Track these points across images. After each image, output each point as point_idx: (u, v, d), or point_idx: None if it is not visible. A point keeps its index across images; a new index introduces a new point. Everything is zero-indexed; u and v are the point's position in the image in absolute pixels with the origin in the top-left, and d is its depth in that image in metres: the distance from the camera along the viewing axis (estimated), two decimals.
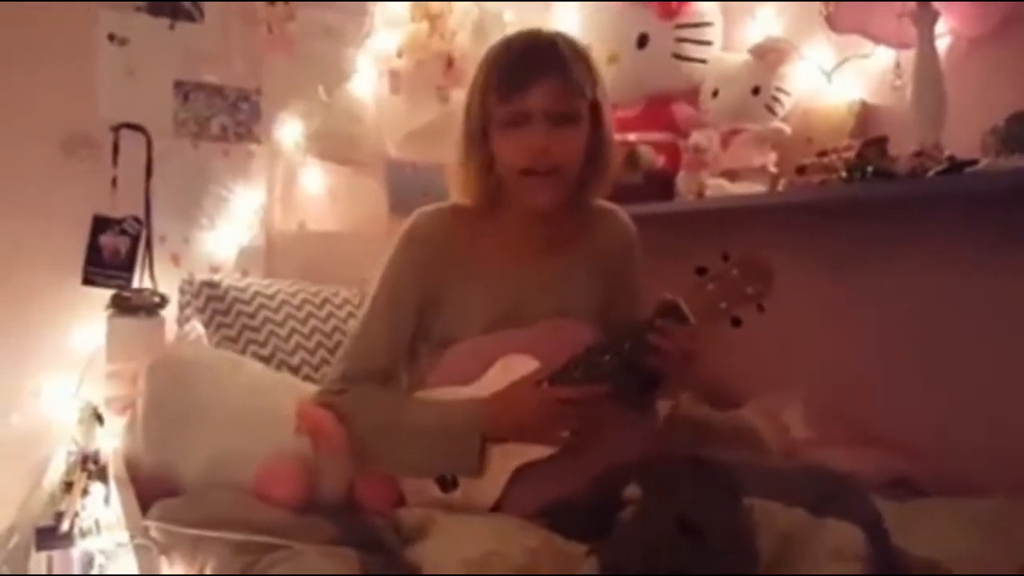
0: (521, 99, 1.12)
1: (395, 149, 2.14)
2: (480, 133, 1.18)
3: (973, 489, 1.31)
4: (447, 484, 1.16)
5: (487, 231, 1.22)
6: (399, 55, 2.08)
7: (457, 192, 1.24)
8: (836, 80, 1.72)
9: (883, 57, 1.62)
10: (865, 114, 1.65)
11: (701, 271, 1.03)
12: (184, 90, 1.97)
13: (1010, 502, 1.24)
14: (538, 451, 1.11)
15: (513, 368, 1.13)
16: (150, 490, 1.31)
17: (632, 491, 1.04)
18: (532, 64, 1.14)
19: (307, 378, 1.69)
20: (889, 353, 1.54)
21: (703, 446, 1.35)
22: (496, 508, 1.12)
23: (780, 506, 0.98)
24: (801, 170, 1.51)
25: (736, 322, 1.00)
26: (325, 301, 1.86)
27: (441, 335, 1.20)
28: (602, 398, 1.08)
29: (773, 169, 1.76)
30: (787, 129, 1.79)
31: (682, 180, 1.84)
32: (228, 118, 2.02)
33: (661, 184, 1.89)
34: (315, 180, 2.11)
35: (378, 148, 2.12)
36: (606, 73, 1.99)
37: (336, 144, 2.05)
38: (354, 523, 1.14)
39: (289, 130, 2.07)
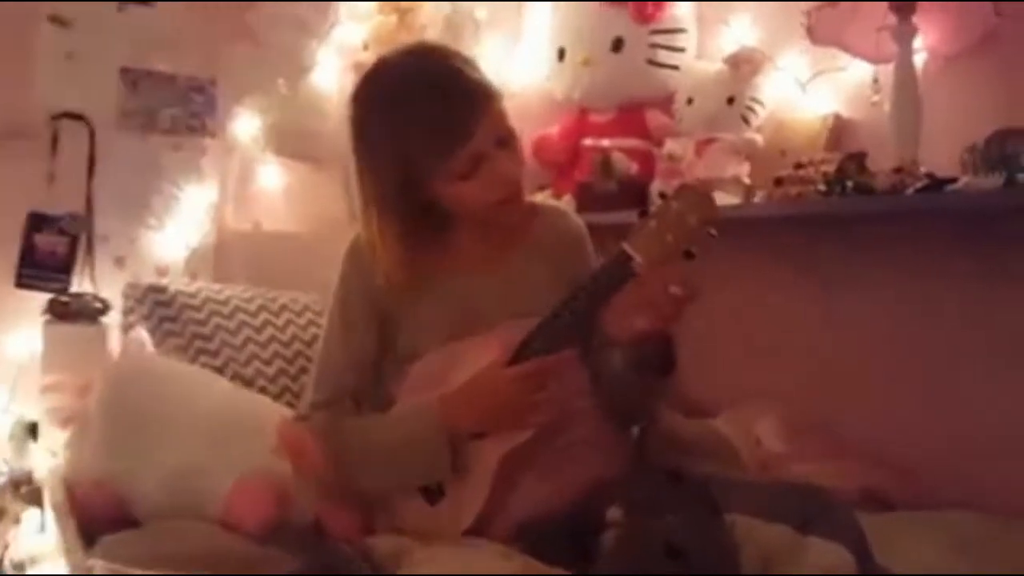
0: (469, 143, 1.09)
1: None
2: (401, 200, 1.14)
3: (945, 504, 1.35)
4: (432, 494, 1.16)
5: (434, 247, 1.22)
6: (365, 48, 2.07)
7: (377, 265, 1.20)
8: (810, 92, 1.77)
9: (858, 71, 1.67)
10: (839, 127, 1.70)
11: (643, 213, 1.04)
12: (132, 78, 1.95)
13: (982, 517, 1.29)
14: (516, 437, 1.11)
15: (478, 364, 1.14)
16: (96, 515, 1.26)
17: (614, 513, 1.06)
18: (463, 103, 1.10)
19: (263, 391, 1.67)
20: (866, 367, 1.58)
21: (678, 458, 1.37)
22: (482, 518, 1.12)
23: (762, 523, 1.00)
24: (779, 182, 1.55)
25: (689, 255, 1.00)
26: (283, 308, 1.83)
27: (404, 351, 1.21)
28: (570, 363, 1.09)
29: (746, 180, 1.81)
30: (760, 140, 1.84)
31: (656, 189, 1.86)
32: (180, 109, 1.99)
33: (635, 192, 1.92)
34: (272, 178, 2.09)
35: (340, 145, 2.03)
36: (580, 76, 2.12)
37: (296, 140, 2.02)
38: (320, 553, 1.14)
39: (246, 124, 2.05)
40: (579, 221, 1.32)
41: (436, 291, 1.20)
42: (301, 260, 1.97)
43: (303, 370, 1.74)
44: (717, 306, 1.06)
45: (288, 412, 1.40)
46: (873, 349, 1.57)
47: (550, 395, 1.10)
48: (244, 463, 1.25)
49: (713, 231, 1.02)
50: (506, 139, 1.14)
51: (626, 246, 1.03)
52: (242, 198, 2.04)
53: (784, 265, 1.71)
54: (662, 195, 1.06)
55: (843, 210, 1.42)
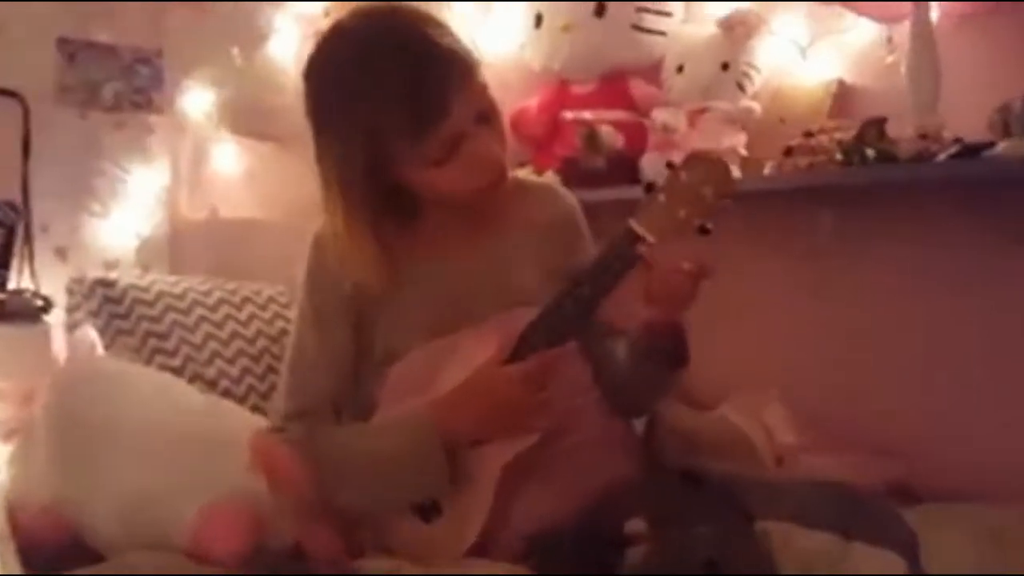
0: (445, 121, 0.99)
1: None
2: (367, 187, 1.04)
3: (965, 496, 1.30)
4: (428, 511, 1.07)
5: (408, 228, 1.12)
6: (327, 15, 1.92)
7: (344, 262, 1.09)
8: (811, 57, 1.69)
9: (862, 33, 1.60)
10: (843, 94, 1.63)
11: (649, 187, 0.97)
12: (70, 49, 1.83)
13: (1016, 510, 1.22)
14: (519, 443, 1.03)
15: (471, 362, 1.05)
16: (44, 544, 1.16)
17: (637, 526, 0.99)
18: (438, 74, 0.98)
19: (226, 393, 1.59)
20: (881, 353, 1.52)
21: (689, 456, 1.31)
22: (485, 534, 1.04)
23: (800, 530, 0.95)
24: (789, 152, 1.46)
25: (704, 230, 0.93)
26: (245, 301, 1.74)
27: (383, 351, 1.12)
28: (572, 357, 1.03)
29: (743, 151, 1.73)
30: (758, 108, 1.76)
31: (649, 162, 1.77)
32: (123, 84, 1.89)
33: (625, 167, 1.83)
34: (229, 159, 1.99)
35: (304, 122, 1.98)
36: (560, 44, 2.02)
37: (254, 117, 1.92)
38: None
39: (197, 99, 1.95)
40: (571, 198, 1.22)
41: (414, 281, 1.10)
42: (264, 249, 1.90)
43: (270, 368, 1.67)
44: (718, 288, 0.96)
45: (261, 422, 1.31)
46: (897, 330, 1.50)
47: (554, 394, 1.03)
48: (213, 483, 1.16)
49: (729, 203, 0.95)
50: (488, 115, 1.04)
51: (633, 224, 0.96)
52: (196, 182, 1.95)
53: (794, 243, 1.63)
54: (670, 165, 0.97)
55: (865, 181, 1.35)
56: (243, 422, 1.35)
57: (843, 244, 1.55)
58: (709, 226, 0.94)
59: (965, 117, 1.31)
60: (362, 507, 1.10)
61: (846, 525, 0.93)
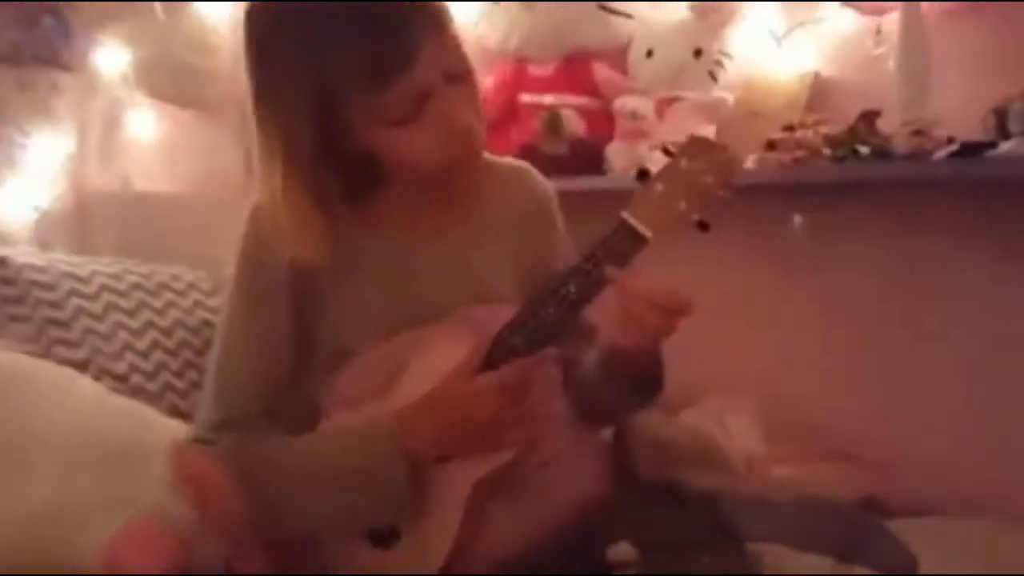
0: (409, 72, 0.87)
1: None
2: (316, 151, 0.92)
3: (939, 508, 1.29)
4: (385, 537, 0.96)
5: (365, 210, 1.01)
6: None
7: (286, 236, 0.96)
8: (786, 47, 1.64)
9: (840, 23, 1.56)
10: (819, 87, 1.59)
11: (643, 174, 0.89)
12: None
13: (998, 524, 1.22)
14: (493, 458, 0.94)
15: (439, 365, 0.95)
16: None
17: (624, 552, 0.93)
18: (401, 18, 0.87)
19: (139, 391, 1.43)
20: (861, 360, 1.49)
21: (667, 469, 1.25)
22: (450, 562, 0.94)
23: (795, 552, 0.91)
24: (771, 146, 1.41)
25: (704, 227, 0.87)
26: (162, 286, 1.59)
27: (332, 348, 1.00)
28: (553, 362, 0.95)
29: None
30: (731, 99, 1.70)
31: (615, 152, 1.72)
32: (23, 35, 1.72)
33: (589, 155, 1.77)
34: (146, 125, 1.88)
35: (232, 87, 1.82)
36: (518, 21, 1.93)
37: (176, 79, 1.83)
38: None
39: (111, 57, 1.82)
40: (547, 185, 1.12)
41: (369, 265, 0.99)
42: (184, 228, 1.78)
43: (189, 364, 1.53)
44: (696, 285, 0.89)
45: (182, 428, 1.17)
46: (876, 337, 1.48)
47: (532, 406, 0.93)
48: (128, 500, 1.04)
49: (730, 195, 0.88)
50: (460, 75, 0.92)
51: (627, 217, 0.88)
52: (108, 150, 1.83)
53: (768, 242, 1.59)
54: (666, 150, 0.89)
55: (856, 177, 1.31)
56: (161, 429, 1.21)
57: (829, 242, 1.51)
58: (707, 221, 0.86)
59: (949, 113, 1.28)
60: (305, 531, 0.98)
61: (841, 547, 0.90)
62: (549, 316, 0.90)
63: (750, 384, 1.56)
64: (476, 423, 0.90)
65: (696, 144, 0.87)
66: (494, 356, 0.92)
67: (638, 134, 1.68)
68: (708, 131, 1.67)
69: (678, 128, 1.67)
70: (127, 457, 1.08)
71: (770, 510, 1.00)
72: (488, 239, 1.04)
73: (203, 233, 1.68)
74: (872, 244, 1.47)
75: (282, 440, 0.99)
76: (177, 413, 1.42)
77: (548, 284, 0.92)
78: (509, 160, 1.12)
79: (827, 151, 1.30)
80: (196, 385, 1.47)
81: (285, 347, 1.00)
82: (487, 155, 1.05)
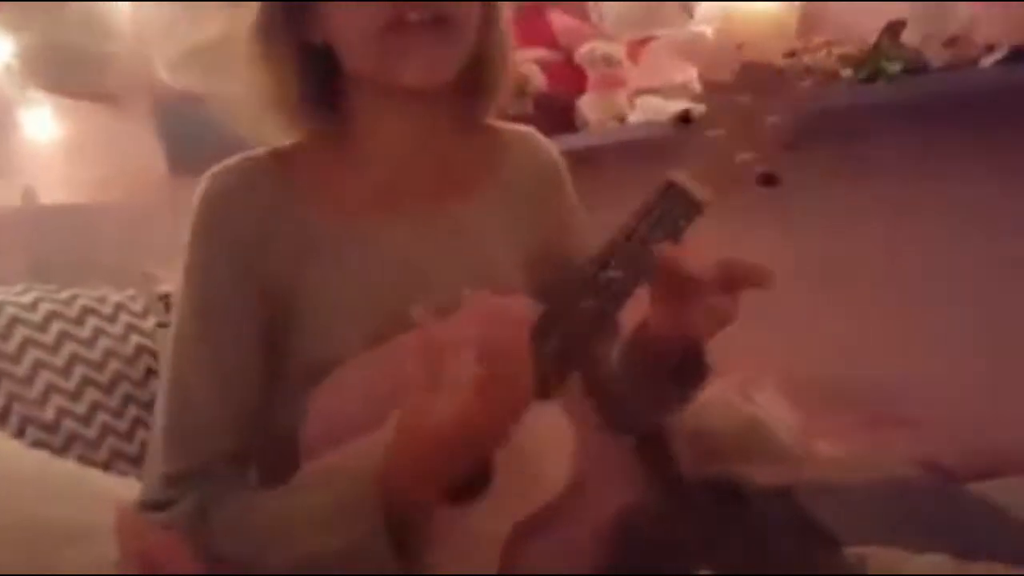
0: None
1: (169, 75, 1.72)
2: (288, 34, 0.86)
3: (1003, 469, 1.18)
4: None
5: (340, 181, 0.89)
6: None
7: (267, 128, 0.90)
8: None
9: None
10: (813, 8, 1.47)
11: (685, 119, 0.77)
12: None
13: None
14: (536, 492, 0.77)
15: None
16: None
17: None
18: None
19: (72, 440, 1.27)
20: (898, 314, 1.37)
21: (712, 464, 1.11)
22: None
23: (900, 553, 0.79)
24: (779, 73, 1.26)
25: (770, 180, 0.75)
26: (86, 313, 1.41)
27: (305, 364, 0.84)
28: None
29: (696, 86, 1.57)
30: (709, 33, 1.56)
31: (589, 105, 1.61)
32: None
33: (557, 112, 1.66)
34: (44, 125, 1.71)
35: (142, 74, 1.73)
36: None
37: (72, 68, 1.66)
38: None
39: None
40: (553, 150, 1.00)
41: (351, 255, 0.85)
42: (103, 242, 1.64)
43: (129, 399, 1.37)
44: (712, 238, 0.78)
45: (132, 488, 0.98)
46: (924, 281, 1.37)
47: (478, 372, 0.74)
48: None
49: (795, 135, 0.77)
50: None
51: (676, 178, 0.75)
52: (1, 159, 1.67)
53: (783, 191, 1.45)
54: (712, 84, 0.86)
55: (891, 98, 1.17)
56: (103, 492, 1.05)
57: (848, 185, 1.39)
58: (776, 175, 0.74)
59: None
60: None
61: (955, 539, 0.79)
62: (588, 311, 0.75)
63: (771, 352, 1.42)
64: (440, 430, 0.70)
65: (753, 72, 0.76)
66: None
67: (614, 82, 1.57)
68: (690, 73, 1.58)
69: (656, 71, 1.60)
70: (58, 535, 0.91)
71: (856, 500, 0.88)
72: (493, 216, 0.91)
73: (127, 246, 1.57)
74: (904, 181, 1.36)
75: (251, 498, 0.82)
76: (123, 460, 1.27)
77: (581, 270, 0.77)
78: (512, 125, 0.99)
79: (847, 73, 1.18)
80: (141, 423, 1.33)
81: (253, 370, 0.83)
82: (489, 121, 0.94)
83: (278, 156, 0.88)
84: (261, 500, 0.81)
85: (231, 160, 0.87)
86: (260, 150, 0.89)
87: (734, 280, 0.71)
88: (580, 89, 1.64)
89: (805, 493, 0.85)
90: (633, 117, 1.52)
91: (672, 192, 0.74)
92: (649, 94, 1.55)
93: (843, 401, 1.38)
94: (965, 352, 1.33)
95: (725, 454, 1.16)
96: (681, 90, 1.55)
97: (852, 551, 0.76)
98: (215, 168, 0.87)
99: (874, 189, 1.37)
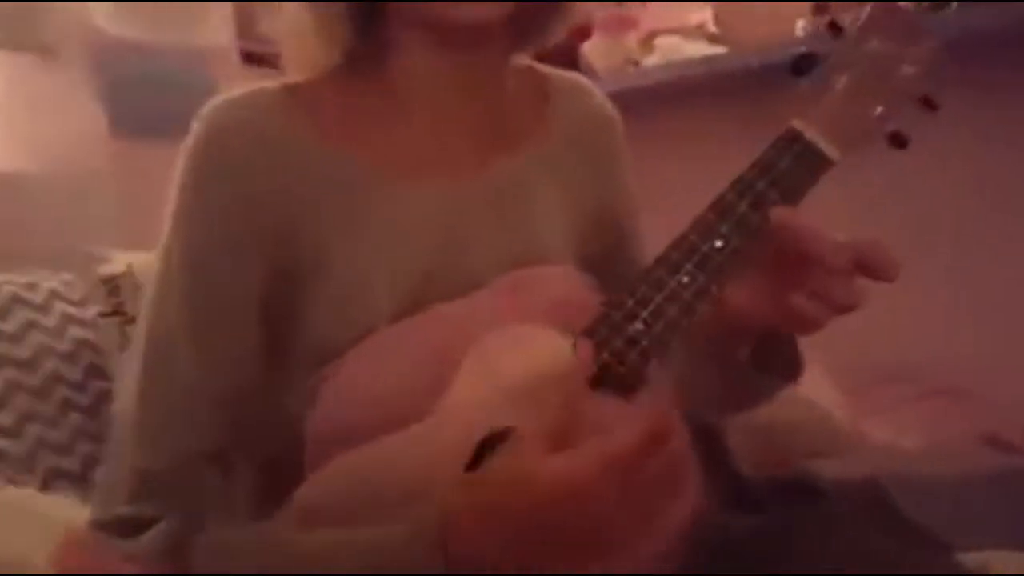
0: None
1: (109, 22, 1.61)
2: None
3: None
4: None
5: (371, 126, 0.79)
6: None
7: (300, 56, 0.78)
8: None
9: None
10: None
11: (807, 60, 0.69)
12: None
13: None
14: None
15: (512, 368, 0.67)
16: None
17: None
18: None
19: (40, 445, 1.17)
20: (949, 274, 1.30)
21: (778, 459, 1.04)
22: None
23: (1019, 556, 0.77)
24: (822, 10, 1.23)
25: (900, 141, 0.68)
26: (13, 302, 1.28)
27: (317, 340, 0.73)
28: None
29: (712, 27, 1.49)
30: None
31: (596, 50, 1.50)
32: None
33: (561, 60, 1.47)
34: None
35: (78, 21, 1.60)
36: None
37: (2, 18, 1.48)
38: None
39: None
40: (608, 103, 0.91)
41: (378, 210, 0.76)
42: (35, 218, 1.48)
43: (68, 405, 1.24)
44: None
45: (74, 507, 0.95)
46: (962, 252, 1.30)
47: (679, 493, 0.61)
48: None
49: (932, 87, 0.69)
50: None
51: (800, 126, 0.67)
52: None
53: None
54: (834, 25, 0.69)
55: (960, 27, 1.08)
56: (39, 516, 0.95)
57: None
58: (906, 136, 0.67)
59: None
60: None
61: None
62: (685, 288, 0.65)
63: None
64: (575, 527, 0.55)
65: (885, 15, 0.68)
66: (601, 359, 0.64)
67: (624, 23, 1.46)
68: (705, 13, 1.48)
69: (667, 12, 1.51)
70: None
71: (958, 496, 0.83)
72: (543, 174, 0.82)
73: (64, 223, 1.43)
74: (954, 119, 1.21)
75: (252, 534, 0.68)
76: (63, 479, 1.13)
77: (682, 238, 0.66)
78: (562, 72, 0.89)
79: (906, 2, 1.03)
80: (82, 434, 1.19)
81: (251, 339, 0.72)
82: (536, 64, 0.85)
83: (295, 90, 0.77)
84: (275, 527, 0.67)
85: (236, 92, 0.76)
86: (273, 85, 0.78)
87: (864, 266, 0.61)
88: (584, 36, 1.52)
89: (897, 490, 0.81)
90: (650, 61, 1.43)
91: (798, 144, 0.66)
92: (665, 35, 1.45)
93: (894, 377, 1.31)
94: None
95: (789, 448, 1.07)
96: (698, 31, 1.48)
97: (965, 557, 0.71)
98: (215, 100, 0.75)
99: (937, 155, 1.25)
